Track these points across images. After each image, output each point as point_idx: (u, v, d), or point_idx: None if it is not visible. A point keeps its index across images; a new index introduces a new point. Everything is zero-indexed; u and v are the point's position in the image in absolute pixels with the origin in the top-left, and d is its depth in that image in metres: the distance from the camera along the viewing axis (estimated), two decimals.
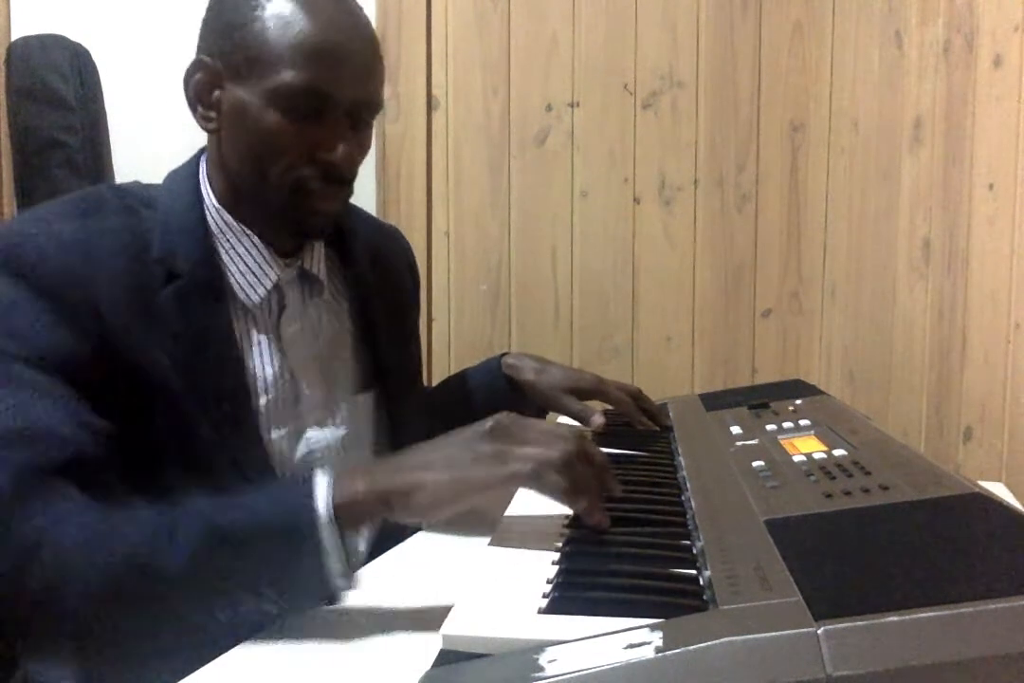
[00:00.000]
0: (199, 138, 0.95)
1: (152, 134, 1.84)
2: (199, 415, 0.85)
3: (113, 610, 0.69)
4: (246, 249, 0.92)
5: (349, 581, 0.70)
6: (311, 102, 0.85)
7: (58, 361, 0.79)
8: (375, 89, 0.90)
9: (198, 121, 0.91)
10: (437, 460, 0.71)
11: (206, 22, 0.90)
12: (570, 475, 0.71)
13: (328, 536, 0.67)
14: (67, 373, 0.79)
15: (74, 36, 1.79)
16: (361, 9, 0.91)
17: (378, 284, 1.06)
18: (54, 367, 0.79)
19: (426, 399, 1.17)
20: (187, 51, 0.91)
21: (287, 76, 0.83)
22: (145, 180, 0.98)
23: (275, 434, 0.92)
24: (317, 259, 0.98)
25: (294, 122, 0.85)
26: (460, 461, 0.70)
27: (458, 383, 1.20)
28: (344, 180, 0.90)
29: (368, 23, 0.91)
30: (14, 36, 1.81)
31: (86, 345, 0.81)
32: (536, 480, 0.70)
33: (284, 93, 0.84)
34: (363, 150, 0.92)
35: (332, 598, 0.72)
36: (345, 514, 0.68)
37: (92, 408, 0.79)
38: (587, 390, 1.13)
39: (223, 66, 0.87)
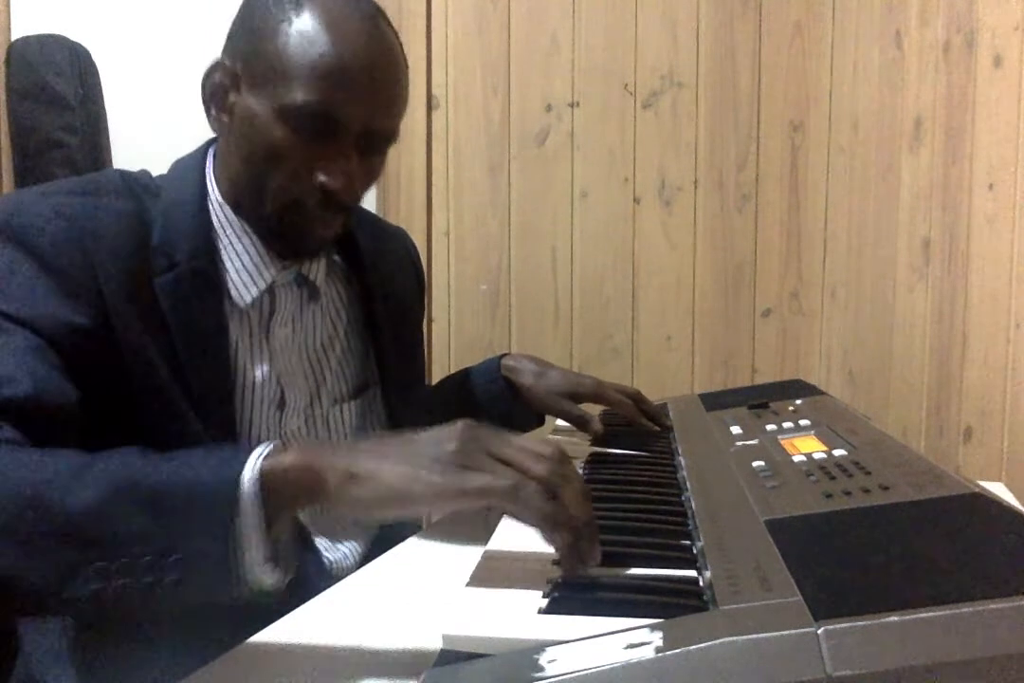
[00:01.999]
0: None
1: (152, 134, 1.84)
2: (179, 406, 0.84)
3: (7, 545, 0.63)
4: (244, 248, 0.91)
5: (275, 574, 0.62)
6: (318, 124, 0.83)
7: (44, 324, 0.78)
8: (389, 119, 0.88)
9: (210, 122, 0.90)
10: (395, 453, 0.63)
11: (235, 24, 0.89)
12: (552, 502, 0.60)
13: (248, 503, 0.60)
14: (51, 338, 0.78)
15: (74, 36, 1.79)
16: (395, 38, 0.88)
17: (381, 287, 1.05)
18: (38, 328, 0.77)
19: (426, 399, 1.16)
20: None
21: (299, 95, 0.82)
22: None
23: (253, 437, 0.91)
24: (316, 265, 0.97)
25: (299, 140, 0.84)
26: (421, 460, 0.61)
27: (457, 384, 1.19)
28: (342, 206, 0.88)
29: (397, 52, 0.88)
30: (14, 36, 1.82)
31: (79, 315, 0.80)
32: (514, 499, 0.60)
33: (293, 111, 0.83)
34: (369, 177, 0.90)
35: (255, 593, 0.62)
36: (273, 485, 0.61)
37: (70, 376, 0.77)
38: (586, 394, 1.13)
39: (242, 71, 0.86)
